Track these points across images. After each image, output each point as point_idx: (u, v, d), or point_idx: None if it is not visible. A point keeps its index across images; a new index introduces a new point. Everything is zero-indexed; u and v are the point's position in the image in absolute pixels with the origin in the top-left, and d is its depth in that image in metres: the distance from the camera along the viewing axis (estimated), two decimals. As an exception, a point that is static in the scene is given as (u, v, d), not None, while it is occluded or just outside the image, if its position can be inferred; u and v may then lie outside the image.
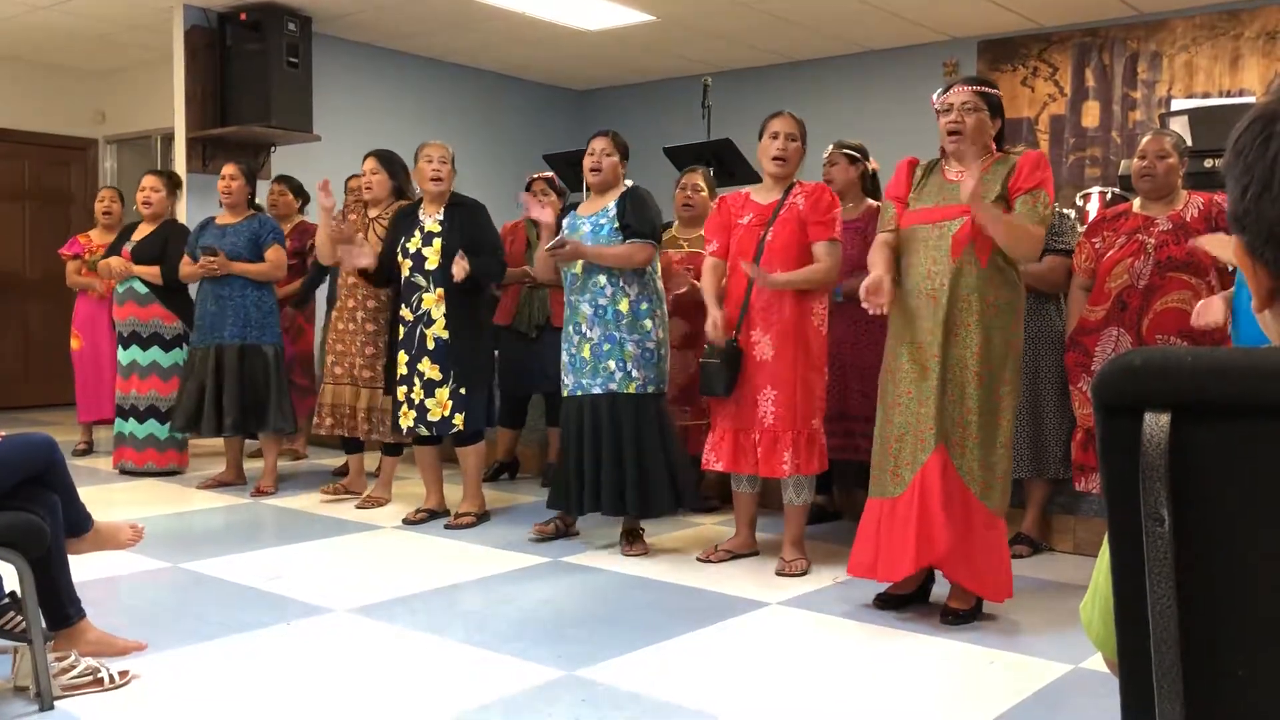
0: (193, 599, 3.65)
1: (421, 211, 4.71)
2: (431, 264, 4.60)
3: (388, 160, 5.07)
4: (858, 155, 4.62)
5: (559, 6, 7.10)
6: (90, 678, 2.73)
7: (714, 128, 6.56)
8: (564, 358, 4.34)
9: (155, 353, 5.71)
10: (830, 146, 4.64)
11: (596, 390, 4.22)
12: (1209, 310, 3.26)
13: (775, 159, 3.96)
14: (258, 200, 5.80)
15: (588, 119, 9.34)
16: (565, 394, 4.34)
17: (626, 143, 4.43)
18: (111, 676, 2.75)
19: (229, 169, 5.56)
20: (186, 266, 5.51)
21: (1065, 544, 4.38)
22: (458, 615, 3.49)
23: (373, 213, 5.05)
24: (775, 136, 3.97)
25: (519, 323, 5.59)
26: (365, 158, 5.08)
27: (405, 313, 4.66)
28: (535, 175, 5.75)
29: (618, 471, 4.18)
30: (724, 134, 6.02)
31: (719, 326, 3.95)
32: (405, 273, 4.66)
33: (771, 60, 8.46)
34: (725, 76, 8.02)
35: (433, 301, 4.60)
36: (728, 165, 5.87)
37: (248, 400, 5.36)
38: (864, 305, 3.33)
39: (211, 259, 5.32)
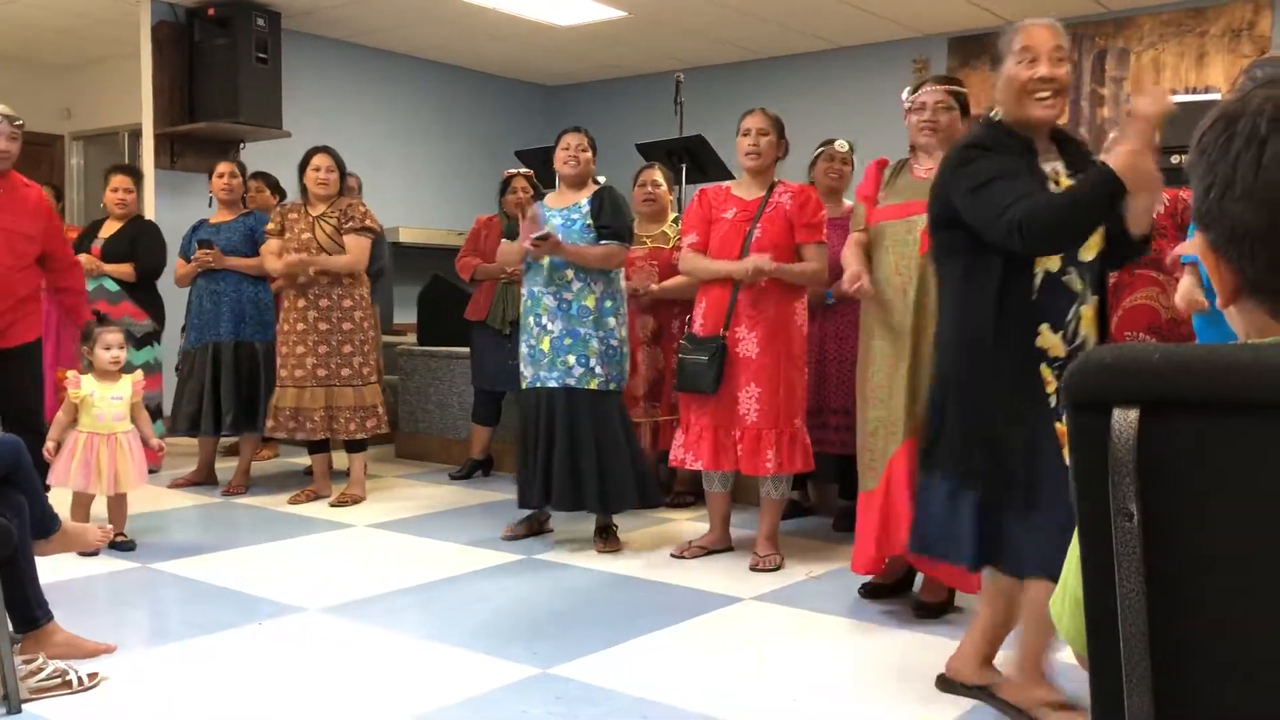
0: (163, 600, 3.62)
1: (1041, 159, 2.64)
2: (1088, 254, 2.59)
3: (339, 158, 5.06)
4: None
5: (530, 2, 7.08)
6: (58, 680, 2.70)
7: (686, 124, 6.55)
8: (523, 349, 4.33)
9: (126, 350, 5.65)
10: (845, 145, 4.65)
11: (552, 384, 4.21)
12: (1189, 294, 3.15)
13: (748, 154, 3.99)
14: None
15: (559, 115, 9.32)
16: (524, 386, 4.34)
17: (594, 139, 4.42)
18: (80, 679, 2.72)
19: (226, 167, 5.53)
20: (181, 268, 5.47)
21: (1036, 537, 4.41)
22: (430, 613, 3.48)
23: (317, 211, 4.99)
24: (747, 134, 4.00)
25: (492, 319, 5.56)
26: (318, 153, 5.01)
27: (1052, 341, 2.52)
28: (514, 172, 5.72)
29: (573, 468, 4.17)
30: (696, 130, 6.02)
31: (760, 263, 3.84)
32: (1052, 270, 2.53)
33: (743, 56, 8.47)
34: (697, 73, 8.03)
35: (1090, 319, 2.60)
36: (700, 161, 5.87)
37: (243, 398, 5.32)
38: (850, 292, 3.42)
39: (206, 253, 5.29)
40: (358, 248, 4.97)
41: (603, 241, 4.19)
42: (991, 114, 2.62)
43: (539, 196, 4.48)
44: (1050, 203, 2.38)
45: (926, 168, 3.40)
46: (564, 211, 4.27)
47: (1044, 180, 2.51)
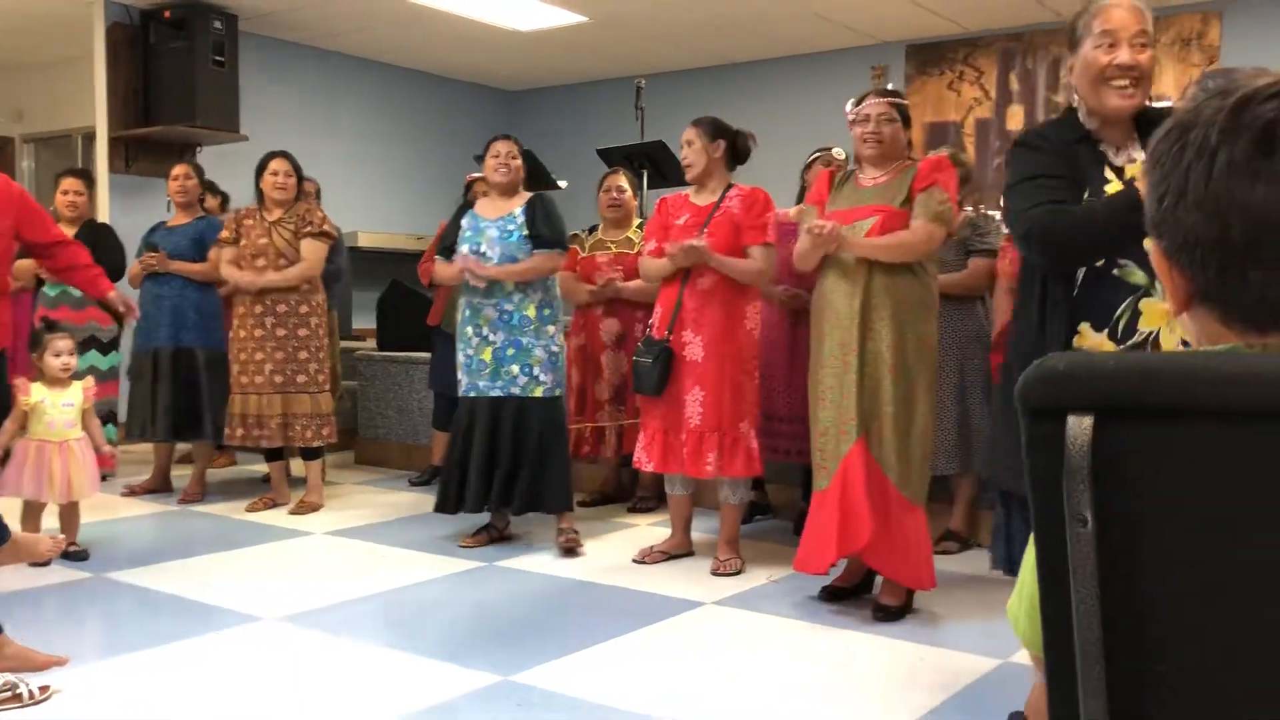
0: (117, 610, 3.56)
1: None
2: None
3: (297, 163, 5.02)
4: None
5: (490, 6, 7.06)
6: (9, 694, 2.65)
7: (647, 129, 6.57)
8: (460, 358, 4.37)
9: (93, 356, 5.58)
10: (843, 153, 4.68)
11: (496, 393, 4.26)
12: None
13: (685, 167, 4.05)
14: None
15: (520, 119, 9.31)
16: (460, 393, 4.38)
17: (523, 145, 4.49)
18: (31, 692, 2.67)
19: (181, 169, 5.47)
20: (134, 269, 5.41)
21: (993, 540, 4.45)
22: (390, 621, 3.45)
23: (274, 216, 4.95)
24: (681, 148, 4.07)
25: (447, 324, 5.54)
26: (275, 157, 4.97)
27: (1093, 340, 2.42)
28: (476, 176, 5.70)
29: (515, 470, 4.25)
30: (658, 136, 6.03)
31: (692, 243, 3.86)
32: (1097, 263, 2.51)
33: (704, 62, 8.50)
34: (658, 79, 8.04)
35: (1163, 313, 2.37)
36: (661, 167, 5.89)
37: (182, 405, 5.24)
38: (817, 234, 3.32)
39: (151, 256, 5.23)
40: (314, 253, 4.93)
41: (537, 250, 4.26)
42: (1074, 100, 2.45)
43: None
44: (1067, 219, 2.24)
45: (871, 177, 3.49)
46: (499, 222, 4.30)
47: (1097, 177, 2.31)
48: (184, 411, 5.26)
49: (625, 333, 4.97)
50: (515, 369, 4.24)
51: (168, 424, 5.24)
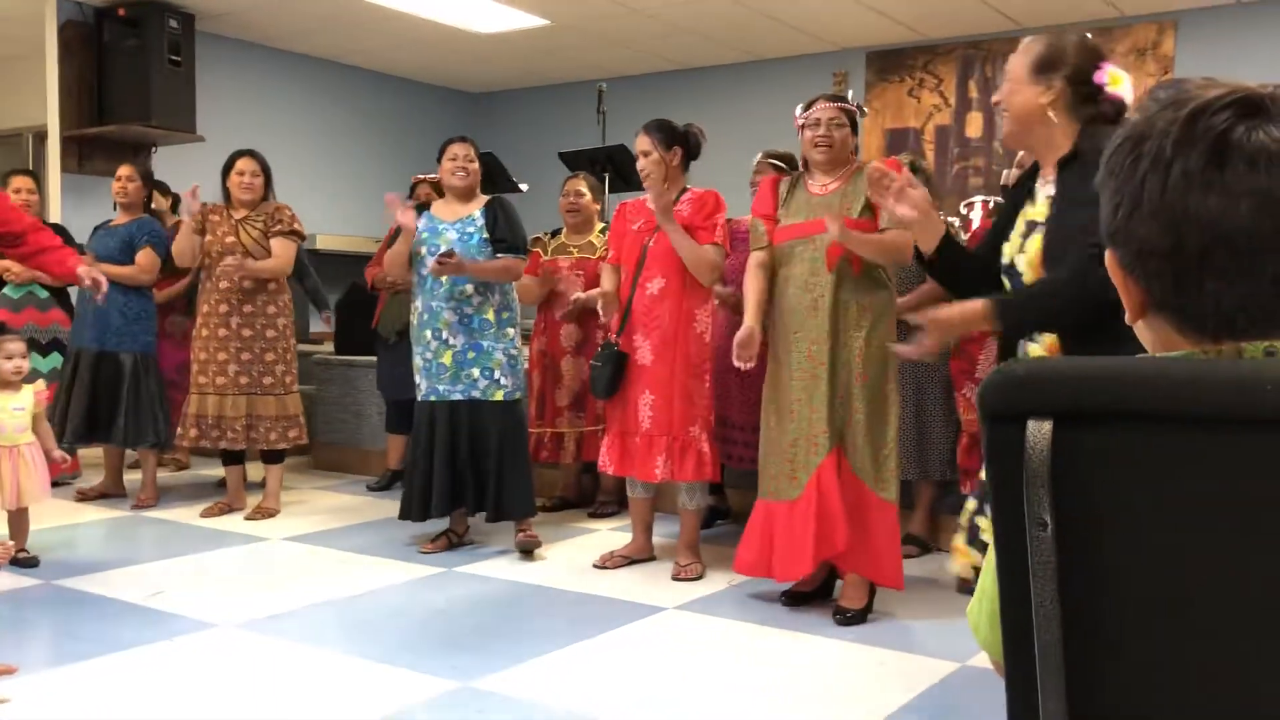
0: (68, 618, 3.50)
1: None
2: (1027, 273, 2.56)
3: (265, 162, 4.96)
4: (784, 165, 4.53)
5: (451, 8, 7.04)
6: (-44, 703, 2.60)
7: (609, 133, 6.57)
8: (417, 361, 4.33)
9: (55, 359, 5.49)
10: (759, 155, 4.68)
11: (456, 397, 4.23)
12: None
13: (642, 176, 4.03)
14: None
15: (482, 122, 9.27)
16: (419, 398, 4.33)
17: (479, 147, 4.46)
18: (-21, 701, 2.63)
19: (125, 170, 5.38)
20: None
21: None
22: (348, 628, 3.42)
23: (240, 214, 4.89)
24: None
25: (382, 327, 5.50)
26: (242, 157, 4.92)
27: None
28: (420, 177, 5.68)
29: (479, 474, 4.24)
30: (619, 140, 6.03)
31: (610, 305, 4.07)
32: None
33: (666, 67, 8.52)
34: (620, 82, 8.05)
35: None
36: (623, 171, 5.89)
37: (100, 410, 5.13)
38: (735, 362, 3.49)
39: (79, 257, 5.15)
40: (285, 252, 4.87)
41: (499, 255, 4.23)
42: None
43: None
44: None
45: (821, 184, 3.51)
46: (458, 225, 4.27)
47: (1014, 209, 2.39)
48: (96, 415, 5.13)
49: (586, 338, 4.96)
50: (475, 372, 4.21)
51: (75, 426, 5.12)
